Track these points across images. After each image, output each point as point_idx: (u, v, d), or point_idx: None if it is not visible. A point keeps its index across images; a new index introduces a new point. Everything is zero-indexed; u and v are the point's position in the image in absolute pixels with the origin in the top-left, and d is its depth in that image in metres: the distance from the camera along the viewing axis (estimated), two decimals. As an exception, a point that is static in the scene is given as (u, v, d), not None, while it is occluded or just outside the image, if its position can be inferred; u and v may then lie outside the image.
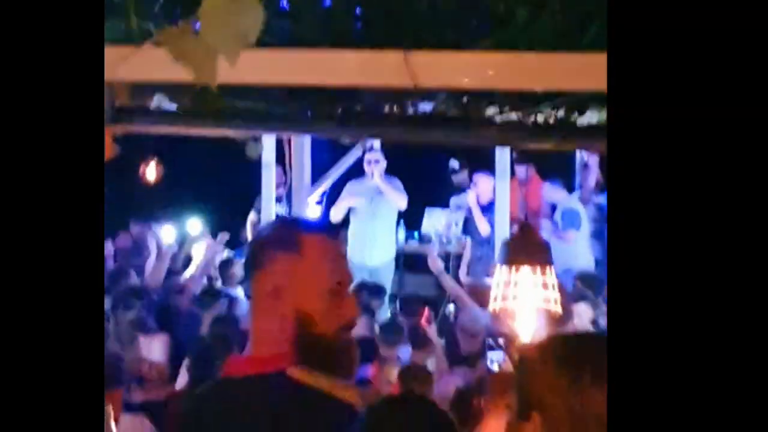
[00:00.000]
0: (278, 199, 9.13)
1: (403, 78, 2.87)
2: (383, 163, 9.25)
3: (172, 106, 4.15)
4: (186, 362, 5.89)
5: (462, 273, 9.25)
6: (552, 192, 9.69)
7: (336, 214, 9.32)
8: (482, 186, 9.31)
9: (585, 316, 6.88)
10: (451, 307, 8.32)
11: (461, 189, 10.12)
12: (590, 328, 6.55)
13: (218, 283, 8.70)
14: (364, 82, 3.10)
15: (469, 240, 9.51)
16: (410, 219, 10.15)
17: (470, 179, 9.73)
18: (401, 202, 9.35)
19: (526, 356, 1.78)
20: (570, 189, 10.07)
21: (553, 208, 9.66)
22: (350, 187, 9.40)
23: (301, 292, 2.09)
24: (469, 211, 9.46)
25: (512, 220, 8.72)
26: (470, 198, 9.34)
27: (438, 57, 2.90)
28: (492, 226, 8.77)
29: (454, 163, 10.34)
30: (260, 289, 2.14)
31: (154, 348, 6.11)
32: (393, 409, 1.97)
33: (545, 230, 9.26)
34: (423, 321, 7.22)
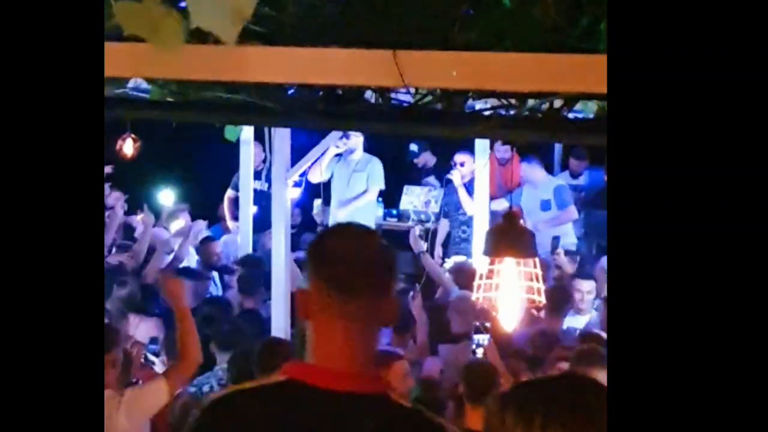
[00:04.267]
0: (257, 176, 9.08)
1: (392, 77, 2.83)
2: (356, 139, 9.17)
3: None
4: None
5: (437, 253, 9.23)
6: (529, 171, 9.47)
7: (314, 176, 9.29)
8: (467, 165, 9.20)
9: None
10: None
11: (429, 169, 10.15)
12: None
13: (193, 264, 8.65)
14: (350, 81, 3.06)
15: (446, 221, 9.48)
16: (388, 196, 10.12)
17: (451, 160, 9.63)
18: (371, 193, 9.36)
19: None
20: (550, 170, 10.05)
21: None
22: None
23: None
24: (452, 189, 9.38)
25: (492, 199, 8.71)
26: (455, 177, 9.25)
27: (426, 56, 2.86)
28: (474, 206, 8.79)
29: (413, 147, 10.42)
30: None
31: (141, 328, 6.18)
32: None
33: (540, 217, 9.13)
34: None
